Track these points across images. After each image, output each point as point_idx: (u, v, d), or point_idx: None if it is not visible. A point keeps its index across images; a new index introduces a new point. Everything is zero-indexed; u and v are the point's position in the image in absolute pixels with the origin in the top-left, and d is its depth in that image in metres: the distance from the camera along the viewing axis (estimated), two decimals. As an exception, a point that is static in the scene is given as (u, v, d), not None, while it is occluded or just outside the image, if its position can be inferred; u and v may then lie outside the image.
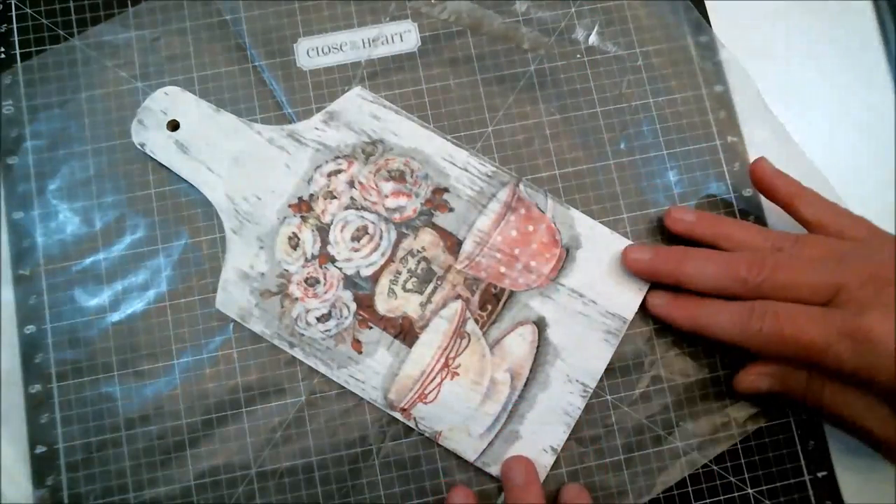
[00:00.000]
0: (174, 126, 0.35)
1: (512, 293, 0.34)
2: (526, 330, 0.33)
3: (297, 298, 0.34)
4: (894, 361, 0.26)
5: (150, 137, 0.35)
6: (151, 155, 0.35)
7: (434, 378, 0.33)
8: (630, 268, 0.33)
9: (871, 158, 0.37)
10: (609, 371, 0.34)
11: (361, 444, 0.33)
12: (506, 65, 0.37)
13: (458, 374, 0.33)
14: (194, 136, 0.35)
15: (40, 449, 0.33)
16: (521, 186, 0.35)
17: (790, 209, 0.33)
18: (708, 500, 0.33)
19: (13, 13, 0.36)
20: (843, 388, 0.29)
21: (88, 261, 0.34)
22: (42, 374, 0.33)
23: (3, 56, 0.36)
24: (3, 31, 0.36)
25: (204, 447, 0.33)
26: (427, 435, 0.33)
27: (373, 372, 0.33)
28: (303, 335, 0.33)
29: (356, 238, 0.34)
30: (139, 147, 0.35)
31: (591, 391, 0.33)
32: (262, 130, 0.35)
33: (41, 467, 0.32)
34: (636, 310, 0.34)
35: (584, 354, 0.33)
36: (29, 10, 0.36)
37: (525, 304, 0.33)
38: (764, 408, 0.34)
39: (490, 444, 0.33)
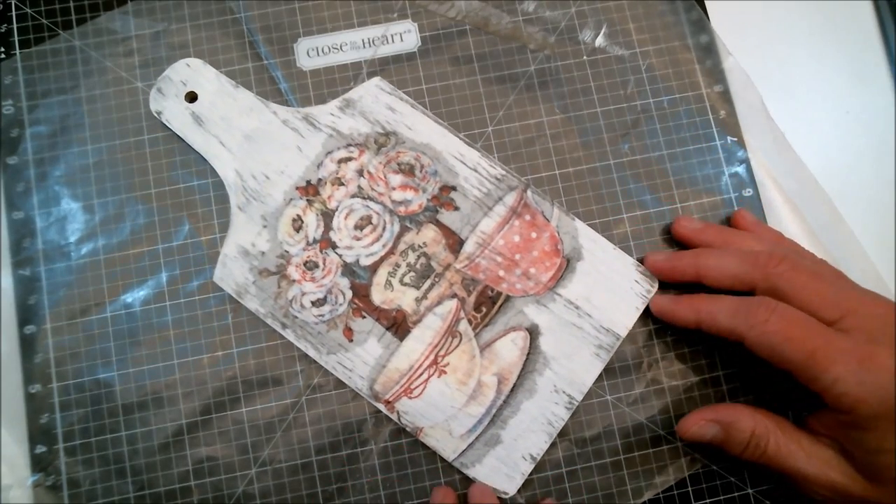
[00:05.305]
0: (192, 98, 0.35)
1: (508, 298, 0.34)
2: (518, 336, 0.33)
3: (294, 280, 0.34)
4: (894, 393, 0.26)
5: (168, 106, 0.35)
6: (167, 124, 0.35)
7: (421, 374, 0.33)
8: (651, 268, 0.34)
9: (870, 158, 0.37)
10: (609, 371, 0.34)
11: (358, 430, 0.33)
12: (506, 65, 0.37)
13: (445, 373, 0.33)
14: (211, 109, 0.35)
15: (40, 448, 0.33)
16: (529, 193, 0.35)
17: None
18: (708, 500, 0.33)
19: (13, 13, 0.36)
20: (789, 438, 0.29)
21: (88, 249, 0.34)
22: (42, 374, 0.33)
23: (2, 56, 0.36)
24: (2, 31, 0.36)
25: (202, 433, 0.33)
26: (409, 430, 0.33)
27: (361, 361, 0.33)
28: (296, 317, 0.33)
29: (359, 227, 0.34)
30: (155, 115, 0.35)
31: (577, 404, 0.33)
32: (278, 111, 0.35)
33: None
34: (630, 327, 0.33)
35: (574, 366, 0.33)
36: (29, 10, 0.36)
37: (520, 310, 0.33)
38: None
39: (470, 445, 0.33)
